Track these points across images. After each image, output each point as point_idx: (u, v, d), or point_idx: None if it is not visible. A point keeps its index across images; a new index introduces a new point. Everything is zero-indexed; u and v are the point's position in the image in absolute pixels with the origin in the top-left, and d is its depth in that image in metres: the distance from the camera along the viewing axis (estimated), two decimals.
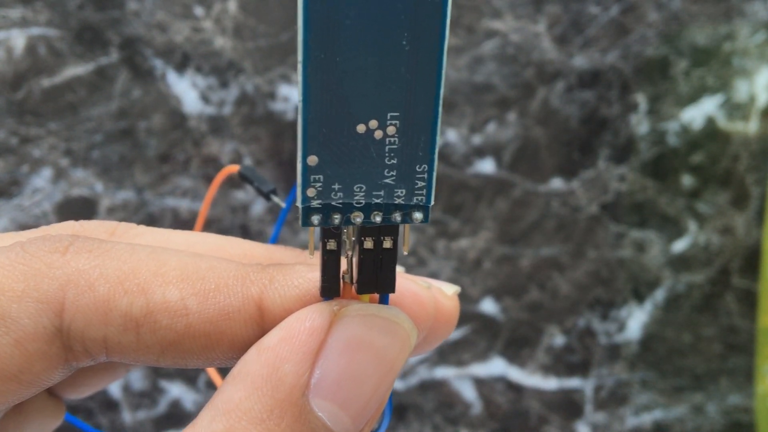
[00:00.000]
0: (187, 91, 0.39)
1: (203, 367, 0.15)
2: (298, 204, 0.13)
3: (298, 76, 0.12)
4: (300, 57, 0.12)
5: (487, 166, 0.42)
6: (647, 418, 0.47)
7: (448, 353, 0.44)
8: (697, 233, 0.45)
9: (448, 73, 0.41)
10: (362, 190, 0.14)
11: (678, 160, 0.44)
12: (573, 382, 0.46)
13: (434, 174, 0.14)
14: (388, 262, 0.15)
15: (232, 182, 0.41)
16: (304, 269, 0.15)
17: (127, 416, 0.42)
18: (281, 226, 0.18)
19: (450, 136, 0.42)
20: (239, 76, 0.40)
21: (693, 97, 0.43)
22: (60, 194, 0.39)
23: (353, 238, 0.15)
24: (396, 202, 0.14)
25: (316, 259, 0.15)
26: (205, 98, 0.40)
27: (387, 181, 0.14)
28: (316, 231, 0.15)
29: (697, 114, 0.43)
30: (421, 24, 0.12)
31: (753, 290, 0.45)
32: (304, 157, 0.13)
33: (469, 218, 0.43)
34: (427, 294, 0.17)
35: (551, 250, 0.44)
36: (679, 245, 0.45)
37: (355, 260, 0.15)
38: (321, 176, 0.13)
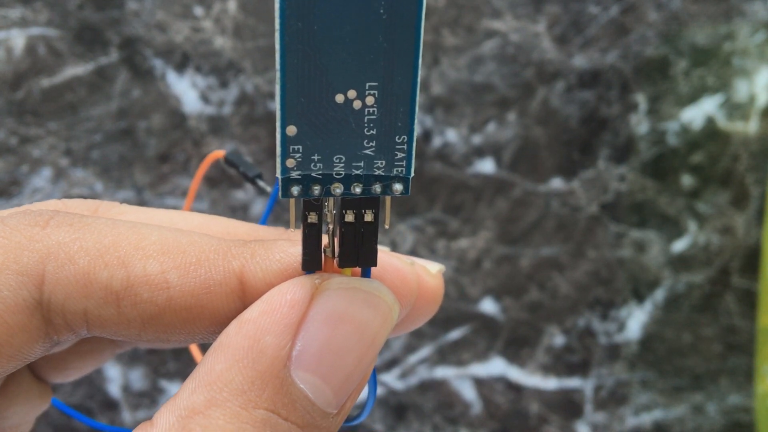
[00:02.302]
0: (186, 91, 0.39)
1: (185, 342, 0.15)
2: (278, 175, 0.13)
3: (276, 45, 0.12)
4: (277, 25, 0.12)
5: (486, 166, 0.42)
6: (647, 418, 0.47)
7: (448, 353, 0.44)
8: (697, 233, 0.45)
9: (447, 73, 0.41)
10: (342, 161, 0.14)
11: (678, 160, 0.44)
12: (573, 382, 0.46)
13: (414, 145, 0.14)
14: (370, 236, 0.15)
15: (232, 182, 0.41)
16: (286, 244, 0.15)
17: (127, 416, 0.42)
18: (271, 209, 0.18)
19: (450, 135, 0.42)
20: (239, 76, 0.40)
21: (693, 97, 0.43)
22: (60, 194, 0.39)
23: (334, 212, 0.15)
24: (376, 174, 0.14)
25: (297, 234, 0.15)
26: (204, 98, 0.40)
27: (366, 152, 0.14)
28: (298, 205, 0.15)
29: (697, 114, 0.43)
30: None
31: (753, 290, 0.45)
32: (283, 128, 0.13)
33: (469, 218, 0.43)
34: (410, 270, 0.17)
35: (551, 250, 0.44)
36: (679, 245, 0.45)
37: (336, 234, 0.15)
38: (300, 147, 0.13)
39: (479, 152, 0.42)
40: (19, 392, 0.18)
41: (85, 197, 0.40)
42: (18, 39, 0.38)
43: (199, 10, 0.39)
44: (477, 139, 0.42)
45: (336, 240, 0.15)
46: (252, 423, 0.13)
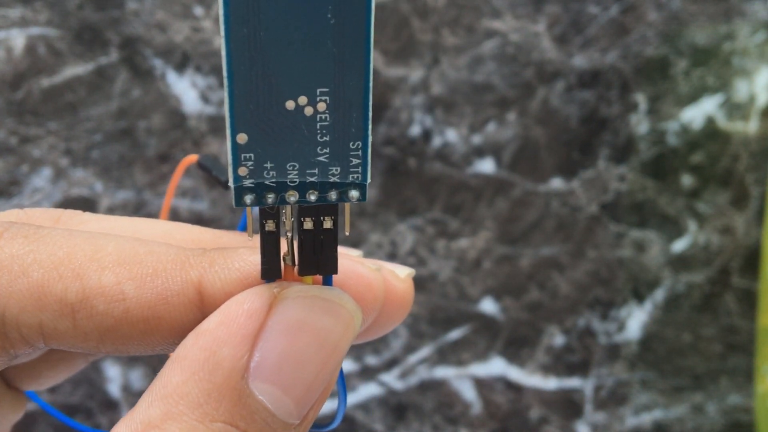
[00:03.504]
0: (186, 90, 0.39)
1: (145, 353, 0.15)
2: (230, 184, 0.13)
3: (222, 51, 0.12)
4: (222, 31, 0.12)
5: (486, 165, 0.42)
6: (647, 418, 0.47)
7: (448, 353, 0.44)
8: (697, 233, 0.45)
9: (447, 73, 0.41)
10: (295, 168, 0.13)
11: (678, 160, 0.44)
12: (573, 382, 0.46)
13: (369, 150, 0.13)
14: (329, 243, 0.14)
15: None
16: (246, 252, 0.15)
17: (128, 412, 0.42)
18: (246, 216, 0.18)
19: (450, 135, 0.42)
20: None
21: (693, 97, 0.43)
22: (59, 194, 0.39)
23: (292, 219, 0.14)
24: (331, 180, 0.14)
25: (257, 241, 0.14)
26: (204, 98, 0.40)
27: (320, 158, 0.13)
28: (255, 212, 0.14)
29: (697, 114, 0.43)
30: None
31: (753, 290, 0.45)
32: (233, 136, 0.13)
33: (469, 218, 0.43)
34: (374, 276, 0.16)
35: (551, 250, 0.44)
36: (679, 245, 0.45)
37: (295, 242, 0.15)
38: (252, 155, 0.13)
39: (479, 152, 0.42)
40: None
41: (85, 197, 0.40)
42: (18, 39, 0.38)
43: (199, 10, 0.39)
44: (477, 139, 0.42)
45: (295, 247, 0.15)
46: None
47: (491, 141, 0.42)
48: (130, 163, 0.40)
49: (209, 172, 0.21)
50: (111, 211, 0.40)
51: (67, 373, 0.19)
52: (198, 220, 0.41)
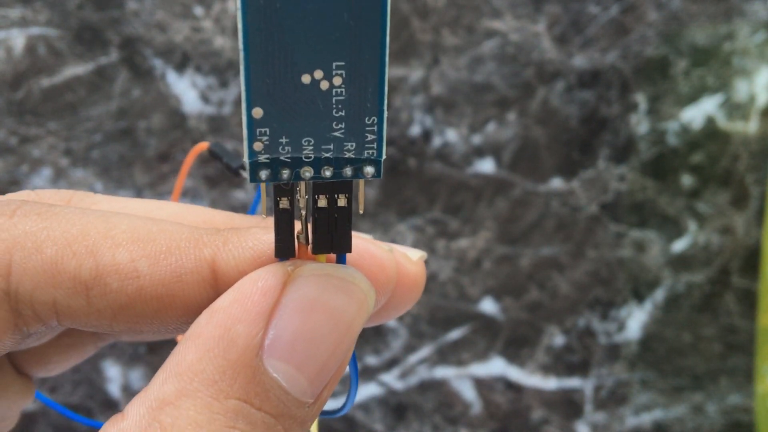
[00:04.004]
0: (186, 90, 0.39)
1: (159, 332, 0.15)
2: (245, 159, 0.13)
3: (238, 24, 0.12)
4: (238, 3, 0.12)
5: (486, 165, 0.42)
6: (647, 418, 0.47)
7: (448, 353, 0.44)
8: (697, 233, 0.45)
9: (447, 73, 0.41)
10: (311, 143, 0.13)
11: (678, 160, 0.44)
12: (573, 382, 0.46)
13: (384, 126, 0.13)
14: (343, 221, 0.14)
15: (233, 183, 0.41)
16: (259, 231, 0.15)
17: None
18: (259, 198, 0.18)
19: (450, 135, 0.42)
20: (239, 75, 0.40)
21: (693, 97, 0.43)
22: None
23: (306, 197, 0.14)
24: (346, 156, 0.13)
25: (271, 221, 0.14)
26: (204, 98, 0.40)
27: (336, 134, 0.13)
28: (269, 192, 0.14)
29: (697, 114, 0.43)
30: None
31: (753, 290, 0.45)
32: (249, 110, 0.13)
33: (469, 218, 0.43)
34: (387, 256, 0.16)
35: (551, 250, 0.44)
36: (679, 245, 0.45)
37: (309, 220, 0.15)
38: (267, 129, 0.13)
39: (479, 152, 0.42)
40: (1, 388, 0.17)
41: None
42: (18, 39, 0.38)
43: (199, 10, 0.39)
44: (477, 139, 0.42)
45: (309, 226, 0.15)
46: (223, 413, 0.13)
47: (491, 141, 0.42)
48: (130, 163, 0.40)
49: (220, 159, 0.21)
50: None
51: (76, 359, 0.19)
52: None
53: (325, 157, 0.13)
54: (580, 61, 0.42)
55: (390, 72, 0.40)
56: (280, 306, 0.13)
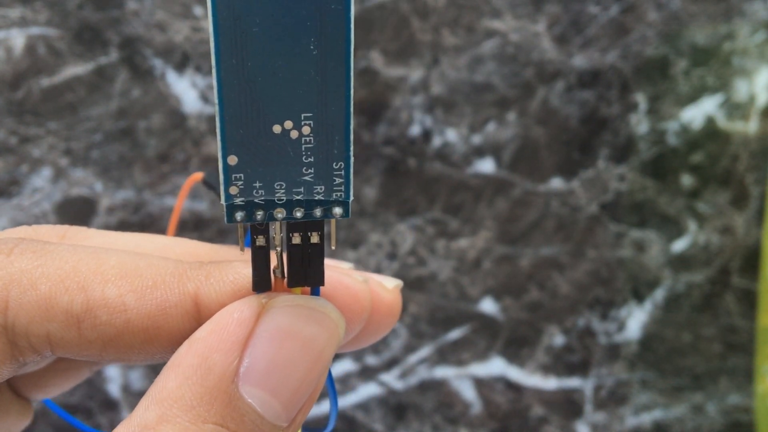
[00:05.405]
0: (186, 90, 0.39)
1: (146, 362, 0.16)
2: (222, 202, 0.14)
3: (213, 80, 0.13)
4: (213, 62, 0.13)
5: (486, 165, 0.42)
6: (647, 418, 0.47)
7: (448, 353, 0.44)
8: (697, 233, 0.45)
9: (447, 73, 0.41)
10: (282, 187, 0.14)
11: (678, 159, 0.44)
12: (573, 382, 0.46)
13: (351, 170, 0.14)
14: (316, 256, 0.15)
15: None
16: (240, 265, 0.16)
17: (127, 416, 0.42)
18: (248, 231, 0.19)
19: (450, 135, 0.42)
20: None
21: (693, 97, 0.43)
22: (59, 194, 0.39)
23: (282, 234, 0.15)
24: (316, 198, 0.14)
25: (249, 255, 0.15)
26: (204, 98, 0.40)
27: (306, 178, 0.14)
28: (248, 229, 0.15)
29: (696, 114, 0.43)
30: (326, 30, 0.13)
31: (753, 290, 0.45)
32: (225, 157, 0.14)
33: (469, 218, 0.43)
34: (361, 287, 0.17)
35: (551, 249, 0.44)
36: (679, 245, 0.45)
37: (284, 255, 0.16)
38: (242, 175, 0.14)
39: (479, 152, 0.42)
40: (0, 410, 0.18)
41: (85, 197, 0.40)
42: (18, 39, 0.38)
43: (199, 10, 0.39)
44: (477, 139, 0.42)
45: (285, 261, 0.16)
46: None
47: (491, 141, 0.42)
48: (130, 163, 0.40)
49: (214, 189, 0.21)
50: (110, 210, 0.40)
51: (72, 382, 0.20)
52: (198, 220, 0.41)
53: (297, 199, 0.14)
54: (580, 61, 0.42)
55: (390, 72, 0.40)
56: (255, 335, 0.14)
